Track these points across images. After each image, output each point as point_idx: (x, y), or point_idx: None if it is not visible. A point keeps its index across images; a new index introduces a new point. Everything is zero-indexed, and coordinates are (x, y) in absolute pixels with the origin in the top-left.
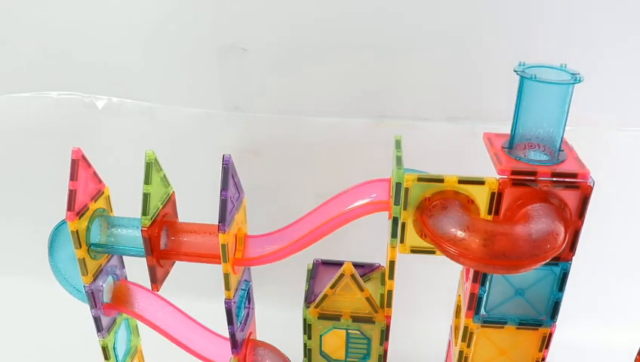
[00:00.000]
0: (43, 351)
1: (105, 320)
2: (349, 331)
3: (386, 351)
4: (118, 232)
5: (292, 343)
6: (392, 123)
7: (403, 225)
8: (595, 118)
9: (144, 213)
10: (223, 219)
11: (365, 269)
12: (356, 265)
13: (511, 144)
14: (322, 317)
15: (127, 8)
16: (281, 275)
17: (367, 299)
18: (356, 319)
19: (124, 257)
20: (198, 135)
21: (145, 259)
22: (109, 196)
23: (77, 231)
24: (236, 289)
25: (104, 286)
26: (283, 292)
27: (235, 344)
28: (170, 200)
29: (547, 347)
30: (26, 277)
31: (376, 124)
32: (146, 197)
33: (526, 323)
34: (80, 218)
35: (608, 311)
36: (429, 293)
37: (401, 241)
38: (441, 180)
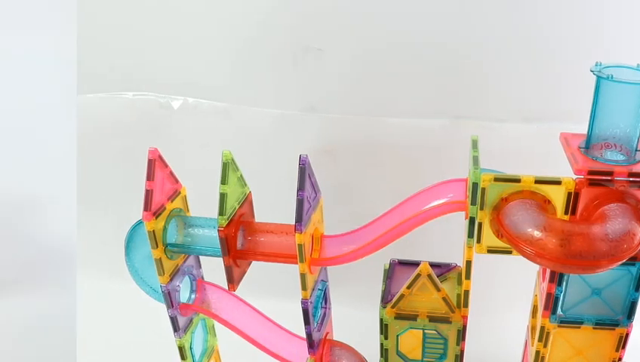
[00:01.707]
0: (120, 350)
1: (181, 320)
2: (425, 331)
3: (462, 351)
4: (194, 232)
5: (368, 343)
6: (468, 123)
7: (480, 225)
8: None
9: (221, 213)
10: (299, 219)
11: (442, 269)
12: (433, 265)
13: (587, 144)
14: (399, 317)
15: (204, 9)
16: (357, 275)
17: (444, 298)
18: (433, 319)
19: (200, 257)
20: (273, 135)
21: (221, 259)
22: (185, 196)
23: (153, 231)
24: (313, 289)
25: (181, 286)
26: (359, 292)
27: (311, 344)
28: (246, 200)
29: (624, 347)
30: (104, 277)
31: (452, 124)
32: (222, 197)
33: (603, 323)
34: (157, 218)
35: None
36: (505, 293)
37: (478, 241)
38: (517, 180)
